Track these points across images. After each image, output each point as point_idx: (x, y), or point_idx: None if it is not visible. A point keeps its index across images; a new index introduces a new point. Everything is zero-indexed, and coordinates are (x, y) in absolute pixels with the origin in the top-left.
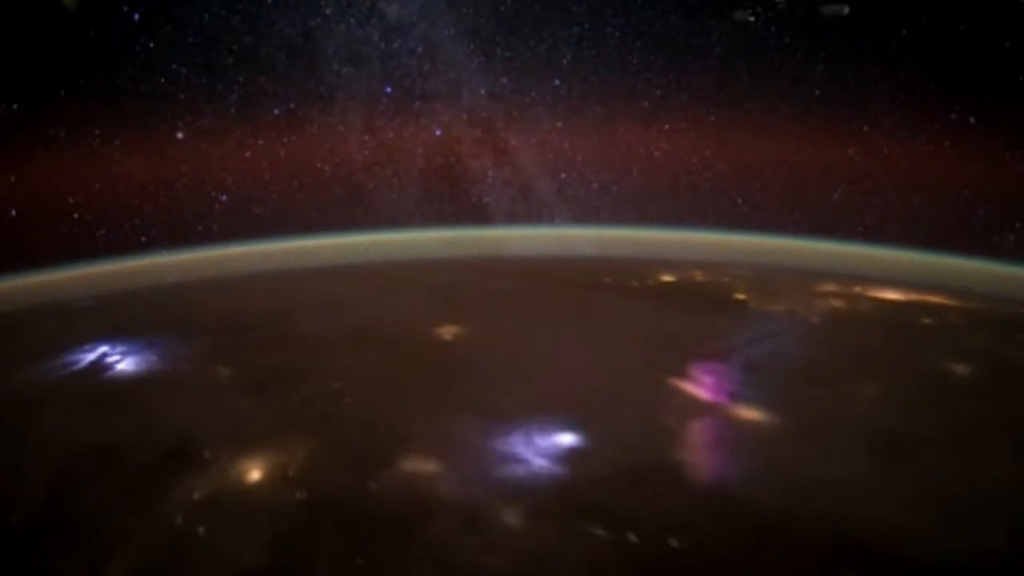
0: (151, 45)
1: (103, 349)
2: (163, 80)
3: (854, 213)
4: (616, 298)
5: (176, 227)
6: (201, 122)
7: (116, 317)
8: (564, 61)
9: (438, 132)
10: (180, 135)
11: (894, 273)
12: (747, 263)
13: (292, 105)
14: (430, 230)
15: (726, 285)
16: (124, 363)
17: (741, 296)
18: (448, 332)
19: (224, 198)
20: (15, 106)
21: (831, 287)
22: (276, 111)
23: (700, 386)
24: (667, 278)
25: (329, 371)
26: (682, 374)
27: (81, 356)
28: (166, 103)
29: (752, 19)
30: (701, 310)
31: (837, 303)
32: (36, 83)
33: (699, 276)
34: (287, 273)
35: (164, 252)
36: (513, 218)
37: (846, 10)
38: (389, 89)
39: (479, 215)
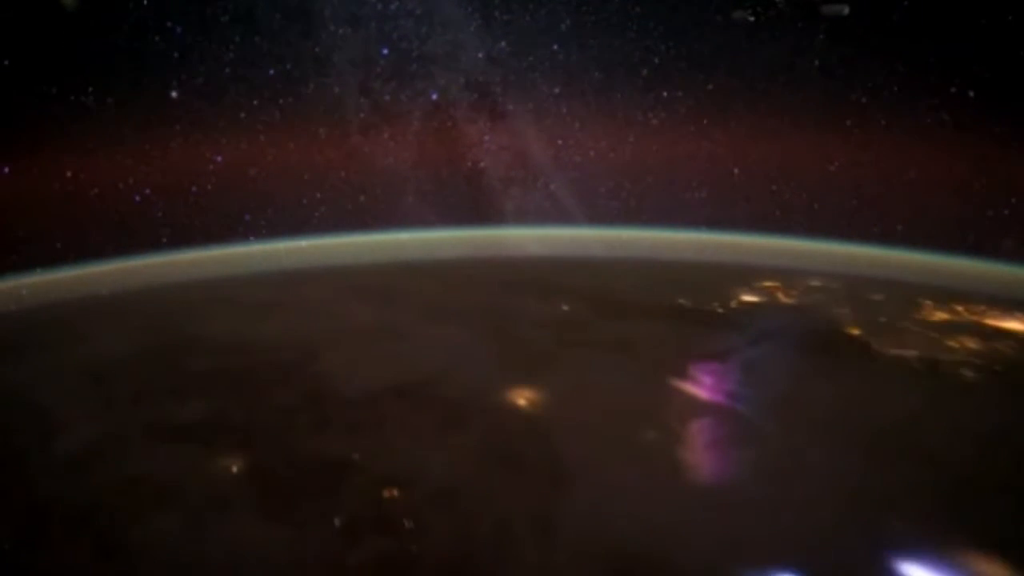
0: (145, 2)
1: (67, 415)
2: (158, 38)
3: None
4: (707, 335)
5: (171, 188)
6: (195, 81)
7: (98, 348)
8: (563, 26)
9: (434, 96)
10: (174, 94)
11: (965, 283)
12: (806, 270)
13: (288, 65)
14: (443, 228)
15: (821, 310)
16: (91, 443)
17: (854, 330)
18: (522, 395)
19: (219, 159)
20: (7, 62)
21: (938, 312)
22: (271, 71)
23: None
24: (749, 298)
25: (375, 465)
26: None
27: (44, 424)
28: (161, 61)
29: (752, 19)
30: (824, 361)
31: (969, 342)
32: (28, 39)
33: (782, 294)
34: (298, 277)
35: (164, 238)
36: (511, 183)
37: (846, 10)
38: (386, 51)
39: (477, 181)
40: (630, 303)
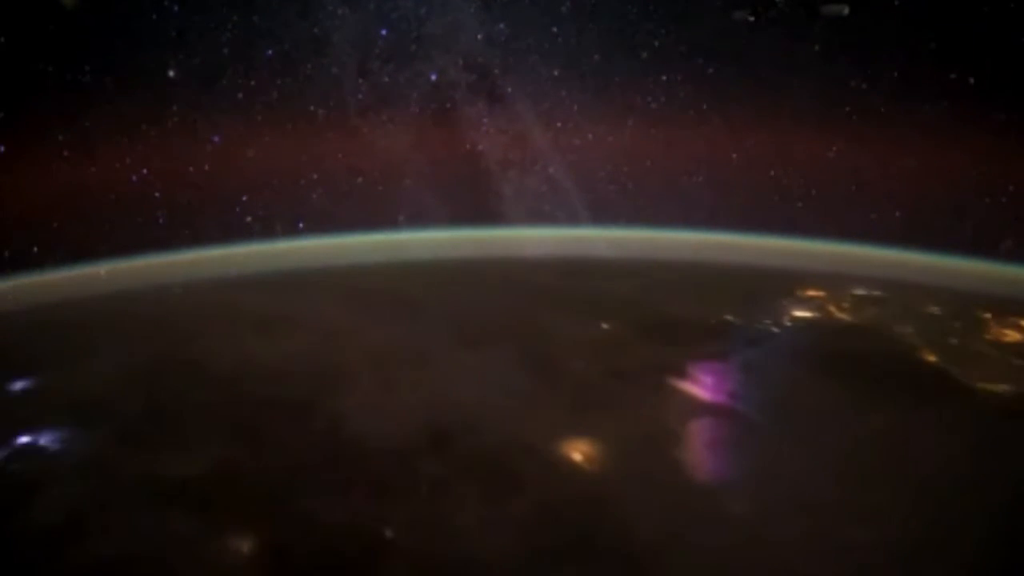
0: None
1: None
2: (154, 17)
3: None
4: (777, 367)
5: (168, 168)
6: (192, 61)
7: (80, 372)
8: (563, 8)
9: (433, 77)
10: (171, 73)
11: (999, 287)
12: (840, 273)
13: (286, 46)
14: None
15: (884, 329)
16: (63, 508)
17: (930, 357)
18: (577, 449)
19: (216, 139)
20: (2, 39)
21: (1006, 329)
22: (270, 52)
23: None
24: (800, 313)
25: (415, 547)
26: None
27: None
28: (157, 40)
29: (752, 19)
30: (918, 403)
31: None
32: (24, 16)
33: (833, 307)
34: (303, 281)
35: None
36: (508, 165)
37: (846, 10)
38: (385, 31)
39: (473, 162)
40: (673, 320)
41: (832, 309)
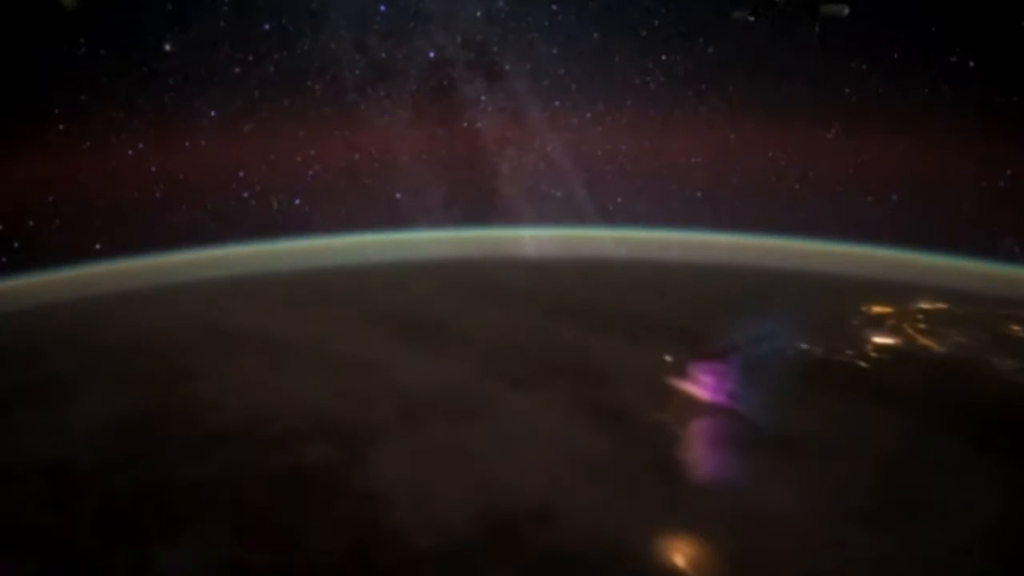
0: None
1: None
2: None
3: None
4: (890, 422)
5: (165, 143)
6: (189, 35)
7: (48, 431)
8: None
9: (431, 54)
10: (168, 47)
11: None
12: (895, 282)
13: (283, 20)
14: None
15: (981, 359)
16: None
17: None
18: (678, 550)
19: (213, 113)
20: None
21: None
22: (267, 26)
23: None
24: (881, 340)
25: None
26: None
27: None
28: (153, 14)
29: (752, 19)
30: None
31: None
32: None
33: (911, 330)
34: (306, 286)
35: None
36: (505, 142)
37: (846, 10)
38: (383, 7)
39: (471, 140)
40: (739, 348)
41: (911, 332)
